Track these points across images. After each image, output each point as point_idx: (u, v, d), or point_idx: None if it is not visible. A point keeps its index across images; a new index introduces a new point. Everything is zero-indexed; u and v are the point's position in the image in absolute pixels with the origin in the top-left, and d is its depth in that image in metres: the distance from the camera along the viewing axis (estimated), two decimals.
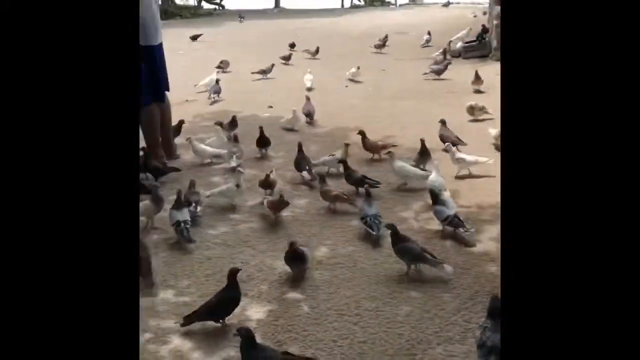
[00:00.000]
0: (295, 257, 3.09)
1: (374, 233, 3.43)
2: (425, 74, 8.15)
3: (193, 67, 9.02)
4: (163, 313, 2.87)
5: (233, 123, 5.49)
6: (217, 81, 7.30)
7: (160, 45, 4.77)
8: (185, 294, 3.02)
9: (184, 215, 3.57)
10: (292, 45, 10.53)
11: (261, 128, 5.07)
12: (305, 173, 4.40)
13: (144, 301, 2.91)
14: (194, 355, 2.55)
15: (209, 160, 4.96)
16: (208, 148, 4.96)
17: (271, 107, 6.73)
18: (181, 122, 5.48)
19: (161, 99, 4.86)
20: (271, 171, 4.22)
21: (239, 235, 3.66)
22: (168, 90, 4.94)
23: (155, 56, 4.71)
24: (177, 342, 2.65)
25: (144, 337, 2.67)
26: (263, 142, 5.06)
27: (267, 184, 4.13)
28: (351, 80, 7.97)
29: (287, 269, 3.17)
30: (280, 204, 3.77)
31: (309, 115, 6.02)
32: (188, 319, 2.69)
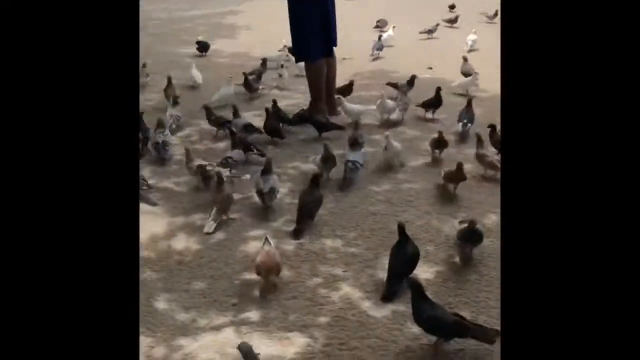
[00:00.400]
0: (472, 236, 2.89)
1: None
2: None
3: (345, 26, 9.01)
4: (332, 260, 2.96)
5: (411, 83, 5.38)
6: (380, 37, 7.32)
7: None
8: (353, 246, 3.09)
9: (356, 156, 3.80)
10: (452, 7, 10.08)
11: (438, 89, 4.93)
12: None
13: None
14: (365, 304, 2.61)
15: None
16: (356, 107, 4.92)
17: (431, 68, 6.55)
18: (351, 83, 5.46)
19: (330, 54, 4.92)
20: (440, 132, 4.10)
21: (403, 195, 3.64)
22: (336, 45, 4.99)
23: (329, 9, 4.77)
24: (347, 289, 2.73)
25: (313, 280, 2.79)
26: (434, 102, 4.93)
27: (439, 142, 4.05)
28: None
29: (453, 232, 3.10)
30: (457, 176, 3.56)
31: (466, 75, 5.86)
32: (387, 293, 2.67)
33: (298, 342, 2.40)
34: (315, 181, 3.34)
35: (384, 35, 7.73)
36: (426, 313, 2.28)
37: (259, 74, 5.89)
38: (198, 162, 3.81)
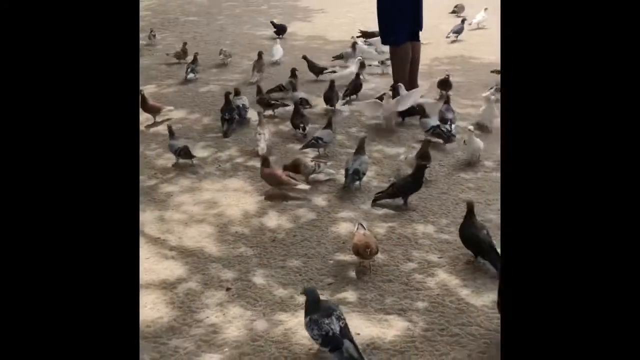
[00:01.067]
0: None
1: None
2: None
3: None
4: (426, 246, 2.93)
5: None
6: (463, 21, 7.21)
7: None
8: (446, 232, 3.05)
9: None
10: None
11: None
12: None
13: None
14: (463, 292, 2.57)
15: None
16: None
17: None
18: (447, 78, 5.10)
19: (417, 38, 4.84)
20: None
21: (493, 183, 3.56)
22: (421, 29, 4.90)
23: None
24: (444, 276, 2.70)
25: (407, 265, 2.77)
26: None
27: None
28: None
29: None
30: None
31: None
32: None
33: (397, 325, 2.39)
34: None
35: (478, 17, 7.63)
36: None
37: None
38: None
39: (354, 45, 6.08)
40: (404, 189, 3.30)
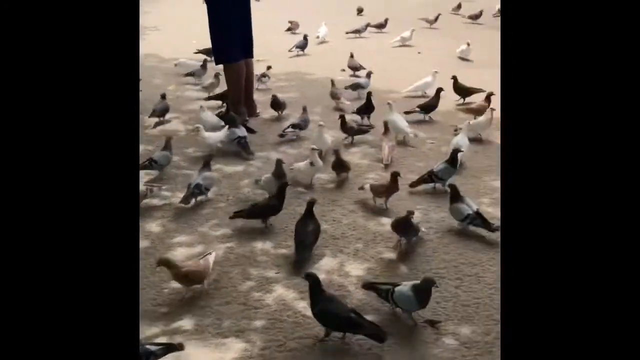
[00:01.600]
0: (407, 227, 2.99)
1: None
2: None
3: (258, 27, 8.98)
4: (264, 263, 2.94)
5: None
6: (305, 36, 7.50)
7: None
8: (283, 247, 3.08)
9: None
10: (360, 10, 10.34)
11: (369, 94, 4.95)
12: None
13: (246, 250, 3.01)
14: (300, 305, 2.61)
15: None
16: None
17: (344, 70, 6.66)
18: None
19: (251, 55, 4.88)
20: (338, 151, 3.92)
21: (327, 195, 3.68)
22: (252, 45, 4.95)
23: (247, 8, 4.76)
24: (281, 291, 2.72)
25: (245, 284, 2.75)
26: (366, 108, 4.88)
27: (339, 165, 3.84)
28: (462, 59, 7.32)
29: (381, 229, 3.20)
30: (390, 189, 3.45)
31: (353, 68, 6.47)
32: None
33: (235, 347, 2.35)
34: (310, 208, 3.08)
35: (321, 31, 7.95)
36: (319, 306, 2.35)
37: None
38: None
39: (204, 62, 6.14)
40: (266, 209, 3.26)
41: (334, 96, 5.34)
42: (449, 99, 5.34)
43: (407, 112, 4.89)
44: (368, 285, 2.59)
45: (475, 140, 4.46)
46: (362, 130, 4.54)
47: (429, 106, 5.00)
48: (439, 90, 5.05)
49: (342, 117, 4.49)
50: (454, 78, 5.37)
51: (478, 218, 3.12)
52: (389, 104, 4.59)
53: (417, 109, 4.98)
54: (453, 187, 3.26)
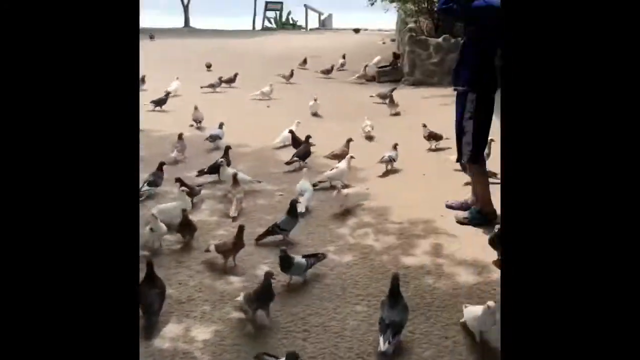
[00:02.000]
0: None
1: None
2: (372, 96, 8.27)
3: None
4: None
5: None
6: (167, 94, 7.63)
7: None
8: None
9: None
10: (209, 66, 10.43)
11: (227, 148, 5.02)
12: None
13: None
14: None
15: None
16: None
17: (192, 125, 6.62)
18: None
19: None
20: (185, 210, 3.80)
21: (173, 257, 3.55)
22: None
23: None
24: None
25: None
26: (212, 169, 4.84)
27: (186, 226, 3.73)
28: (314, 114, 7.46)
29: (229, 288, 3.14)
30: (235, 247, 3.41)
31: (197, 121, 6.64)
32: None
33: None
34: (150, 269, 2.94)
35: (172, 85, 7.88)
36: None
37: None
38: None
39: None
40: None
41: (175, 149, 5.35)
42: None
43: (287, 163, 5.17)
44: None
45: (325, 188, 4.63)
46: (197, 191, 4.44)
47: (305, 153, 5.25)
48: (308, 137, 5.37)
49: (179, 180, 4.32)
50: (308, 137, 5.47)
51: (312, 257, 3.29)
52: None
53: (296, 158, 5.18)
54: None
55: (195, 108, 6.63)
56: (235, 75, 9.26)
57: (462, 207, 4.16)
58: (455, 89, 3.98)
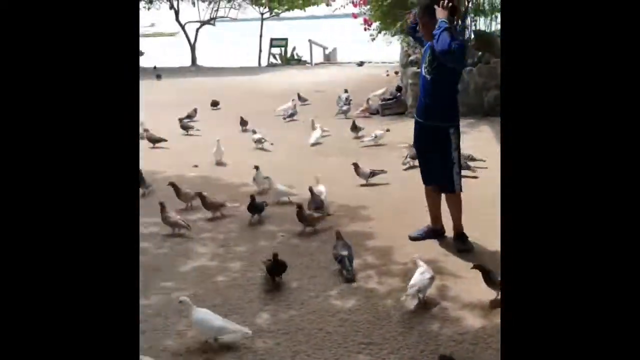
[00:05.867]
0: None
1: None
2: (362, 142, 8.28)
3: None
4: None
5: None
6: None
7: None
8: None
9: None
10: (215, 104, 10.51)
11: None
12: None
13: None
14: None
15: None
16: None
17: (196, 166, 6.61)
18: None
19: None
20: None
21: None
22: None
23: None
24: None
25: None
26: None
27: None
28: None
29: None
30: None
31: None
32: None
33: None
34: None
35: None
36: None
37: None
38: None
39: None
40: None
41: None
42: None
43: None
44: None
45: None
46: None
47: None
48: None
49: None
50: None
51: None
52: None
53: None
54: None
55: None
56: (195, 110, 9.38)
57: (428, 234, 4.32)
58: (424, 123, 4.12)
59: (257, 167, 5.52)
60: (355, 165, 5.69)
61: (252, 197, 4.75)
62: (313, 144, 7.57)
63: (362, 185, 5.66)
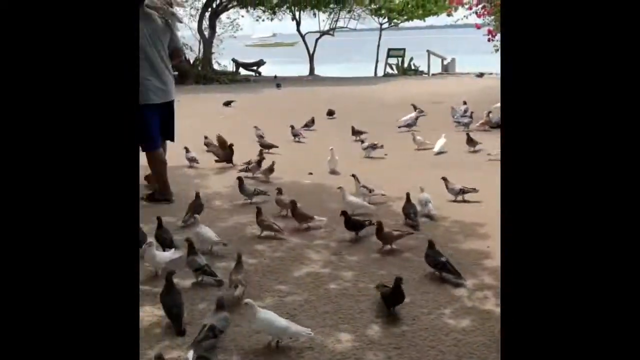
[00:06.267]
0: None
1: None
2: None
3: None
4: None
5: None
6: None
7: (173, 101, 5.56)
8: None
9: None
10: (331, 113, 10.68)
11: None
12: None
13: None
14: None
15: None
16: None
17: (311, 173, 6.74)
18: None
19: (172, 139, 5.72)
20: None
21: (286, 309, 3.56)
22: (172, 140, 5.77)
23: (172, 110, 5.58)
24: None
25: None
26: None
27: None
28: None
29: (340, 347, 3.07)
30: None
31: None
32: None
33: None
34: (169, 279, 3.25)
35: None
36: None
37: None
38: None
39: None
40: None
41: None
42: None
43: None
44: None
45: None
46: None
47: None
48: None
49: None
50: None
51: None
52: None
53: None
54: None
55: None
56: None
57: None
58: None
59: (354, 176, 5.54)
60: (445, 180, 5.52)
61: (345, 214, 4.60)
62: (437, 153, 7.56)
63: (452, 201, 5.49)
